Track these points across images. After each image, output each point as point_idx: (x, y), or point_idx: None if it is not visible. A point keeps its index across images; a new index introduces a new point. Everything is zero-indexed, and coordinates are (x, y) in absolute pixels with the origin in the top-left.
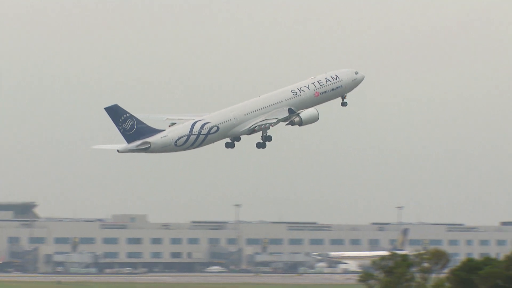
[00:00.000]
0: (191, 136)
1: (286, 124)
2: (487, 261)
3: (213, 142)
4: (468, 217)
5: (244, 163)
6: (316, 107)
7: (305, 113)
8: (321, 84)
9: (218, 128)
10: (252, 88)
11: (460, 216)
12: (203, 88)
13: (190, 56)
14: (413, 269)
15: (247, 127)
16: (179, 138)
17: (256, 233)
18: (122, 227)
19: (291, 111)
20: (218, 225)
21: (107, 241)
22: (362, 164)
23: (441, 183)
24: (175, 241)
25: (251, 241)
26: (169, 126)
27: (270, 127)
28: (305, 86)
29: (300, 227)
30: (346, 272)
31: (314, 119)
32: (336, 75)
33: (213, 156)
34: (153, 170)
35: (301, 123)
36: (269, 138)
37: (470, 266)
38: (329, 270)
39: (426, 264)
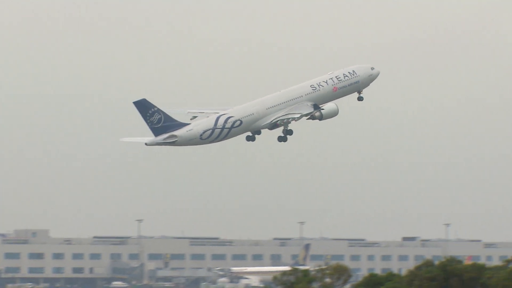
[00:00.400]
0: (216, 129)
1: (307, 119)
2: (390, 276)
3: (236, 136)
4: (370, 232)
5: (146, 178)
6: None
7: (326, 108)
8: (339, 79)
9: (241, 122)
10: (272, 82)
11: (362, 232)
12: (223, 83)
13: (210, 51)
14: (315, 285)
15: (269, 121)
16: (204, 131)
17: (158, 248)
18: (24, 242)
19: (316, 107)
20: (120, 240)
21: (9, 256)
22: (262, 179)
23: (343, 198)
24: (77, 256)
25: (153, 256)
26: (190, 119)
27: (293, 121)
28: (323, 81)
29: (202, 242)
30: (248, 287)
31: (334, 114)
32: (353, 71)
33: (114, 172)
34: (53, 183)
35: (321, 117)
36: (290, 132)
37: (373, 282)
38: (231, 285)
39: (328, 280)
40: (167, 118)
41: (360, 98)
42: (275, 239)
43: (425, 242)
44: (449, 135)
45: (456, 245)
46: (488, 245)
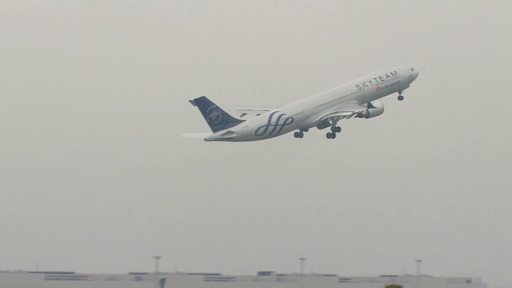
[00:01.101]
0: (270, 126)
1: (354, 117)
2: None
3: (287, 132)
4: (226, 266)
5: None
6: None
7: (372, 108)
8: (382, 79)
9: (292, 119)
10: (317, 80)
11: (217, 266)
12: (267, 81)
13: (255, 52)
14: None
15: (318, 118)
16: (259, 128)
17: (14, 282)
18: None
19: (370, 105)
20: None
21: None
22: (112, 217)
23: (198, 233)
24: None
25: None
26: (240, 116)
27: (345, 119)
28: (368, 81)
29: (58, 276)
30: None
31: (380, 112)
32: (395, 71)
33: None
34: None
35: (368, 115)
36: (338, 129)
37: None
38: None
39: None
40: (225, 115)
41: (400, 98)
42: (130, 273)
43: (280, 277)
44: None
45: (312, 280)
46: (343, 280)
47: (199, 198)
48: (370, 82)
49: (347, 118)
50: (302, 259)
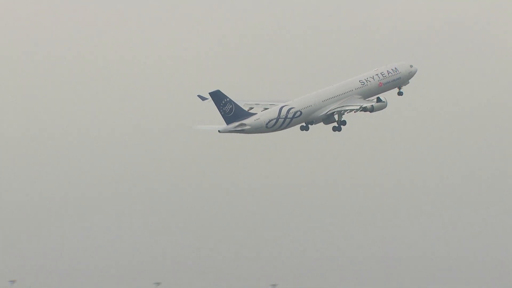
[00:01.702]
0: (279, 119)
1: (360, 111)
2: None
3: (296, 125)
4: None
5: None
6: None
7: (376, 103)
8: (383, 75)
9: (301, 112)
10: (324, 75)
11: None
12: (272, 76)
13: (259, 47)
14: None
15: (325, 112)
16: (270, 120)
17: None
18: None
19: (379, 100)
20: None
21: None
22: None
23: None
24: None
25: None
26: (248, 110)
27: (353, 113)
28: (370, 77)
29: None
30: None
31: (384, 107)
32: (395, 67)
33: None
34: None
35: (372, 109)
36: (344, 123)
37: None
38: None
39: None
40: (238, 108)
41: (400, 93)
42: None
43: None
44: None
45: None
46: None
47: (201, 235)
48: (373, 78)
49: (354, 112)
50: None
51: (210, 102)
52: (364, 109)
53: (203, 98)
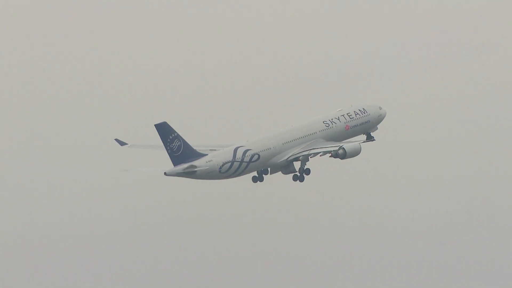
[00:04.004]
0: (235, 162)
1: (329, 156)
2: None
3: (252, 172)
4: None
5: None
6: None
7: (349, 146)
8: (351, 117)
9: (259, 156)
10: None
11: None
12: (215, 117)
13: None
14: None
15: (285, 157)
16: (224, 163)
17: None
18: None
19: (369, 136)
20: None
21: None
22: None
23: None
24: None
25: None
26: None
27: (316, 156)
28: (336, 118)
29: None
30: None
31: (357, 153)
32: (363, 109)
33: None
34: None
35: (344, 155)
36: (307, 171)
37: None
38: None
39: None
40: (187, 146)
41: (369, 137)
42: None
43: None
44: None
45: None
46: None
47: None
48: (339, 119)
49: (320, 156)
50: None
51: (131, 148)
52: (335, 155)
53: (121, 143)
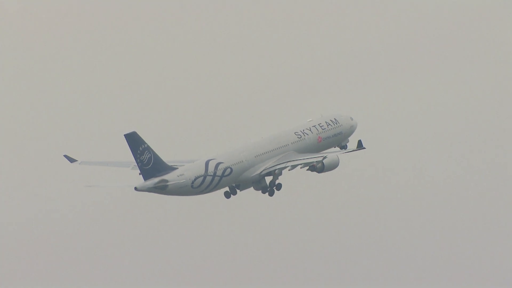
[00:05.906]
0: (207, 176)
1: (307, 170)
2: None
3: (225, 187)
4: None
5: None
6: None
7: (328, 159)
8: (322, 128)
9: (231, 170)
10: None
11: None
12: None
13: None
14: None
15: (258, 171)
16: (196, 178)
17: None
18: None
19: (359, 144)
20: None
21: None
22: None
23: None
24: None
25: None
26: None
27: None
28: (307, 129)
29: None
30: None
31: (335, 166)
32: (335, 119)
33: None
34: None
35: (322, 169)
36: (278, 186)
37: None
38: None
39: None
40: (157, 159)
41: (343, 147)
42: None
43: None
44: None
45: None
46: None
47: None
48: (310, 130)
49: (300, 168)
50: None
51: (81, 165)
52: (312, 168)
53: (71, 160)
